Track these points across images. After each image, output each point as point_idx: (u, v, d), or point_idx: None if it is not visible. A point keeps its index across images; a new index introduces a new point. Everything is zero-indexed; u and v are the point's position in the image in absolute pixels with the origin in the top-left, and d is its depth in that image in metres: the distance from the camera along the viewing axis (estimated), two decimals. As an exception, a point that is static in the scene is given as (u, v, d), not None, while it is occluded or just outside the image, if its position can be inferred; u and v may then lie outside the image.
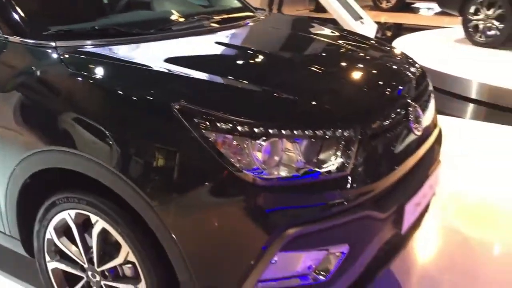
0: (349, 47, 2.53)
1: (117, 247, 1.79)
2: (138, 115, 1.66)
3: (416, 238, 2.71)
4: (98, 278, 1.89)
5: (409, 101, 1.98)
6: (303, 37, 2.63)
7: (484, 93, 5.63)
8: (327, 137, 1.64)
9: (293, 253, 1.62)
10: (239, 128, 1.57)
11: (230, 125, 1.56)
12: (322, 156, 1.64)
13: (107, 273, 1.87)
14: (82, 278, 1.94)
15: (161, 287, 1.74)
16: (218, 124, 1.56)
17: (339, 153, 1.65)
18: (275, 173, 1.59)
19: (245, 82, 1.84)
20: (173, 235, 1.62)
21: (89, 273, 1.91)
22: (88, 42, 1.96)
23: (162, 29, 2.23)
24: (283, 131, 1.59)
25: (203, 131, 1.56)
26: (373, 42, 2.75)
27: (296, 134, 1.61)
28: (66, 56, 1.86)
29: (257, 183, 1.55)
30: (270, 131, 1.58)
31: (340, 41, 2.63)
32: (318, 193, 1.62)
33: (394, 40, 7.88)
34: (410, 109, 1.94)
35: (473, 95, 5.69)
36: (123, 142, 1.65)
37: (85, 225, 1.88)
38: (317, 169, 1.61)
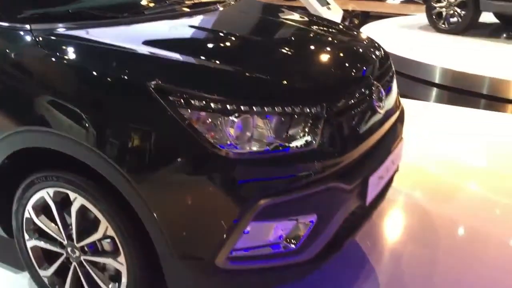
0: (317, 30, 2.63)
1: (95, 222, 1.85)
2: (114, 94, 1.72)
3: (380, 212, 2.86)
4: (77, 253, 1.95)
5: (372, 81, 2.09)
6: (273, 21, 2.72)
7: (447, 78, 5.85)
8: (295, 114, 1.74)
9: (265, 223, 1.72)
10: (212, 105, 1.65)
11: (204, 102, 1.65)
12: (291, 131, 1.74)
13: (86, 249, 1.93)
14: (61, 254, 2.00)
15: (140, 259, 1.82)
16: (192, 102, 1.65)
17: (307, 129, 1.75)
18: (247, 148, 1.68)
19: (218, 62, 1.92)
20: (151, 209, 1.69)
21: (69, 249, 1.97)
22: (63, 25, 1.99)
23: (135, 12, 2.29)
24: (254, 108, 1.68)
25: (178, 108, 1.64)
26: (340, 27, 2.86)
27: (266, 111, 1.70)
28: (41, 38, 1.90)
29: (230, 157, 1.65)
30: (242, 108, 1.67)
31: (308, 25, 2.73)
32: (288, 166, 1.72)
33: (361, 28, 8.04)
34: (373, 88, 2.06)
35: (437, 80, 5.90)
36: (100, 120, 1.72)
37: (63, 203, 1.94)
38: (286, 144, 1.72)
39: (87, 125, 1.71)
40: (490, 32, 7.83)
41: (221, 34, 2.31)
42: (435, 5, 7.58)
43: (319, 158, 1.76)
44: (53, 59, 1.84)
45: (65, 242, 1.97)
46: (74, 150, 1.77)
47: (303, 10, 7.43)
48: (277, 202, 1.69)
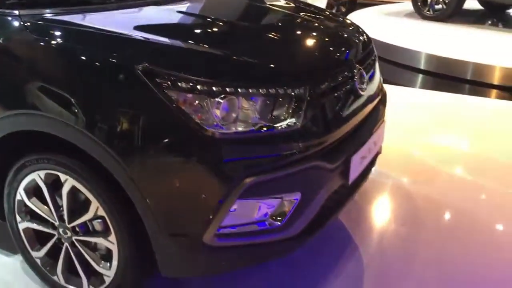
0: (301, 16, 2.68)
1: (86, 203, 1.90)
2: (103, 77, 1.76)
3: (364, 193, 2.94)
4: (69, 234, 2.00)
5: (355, 64, 2.15)
6: (259, 7, 2.76)
7: (432, 64, 5.93)
8: (279, 95, 1.80)
9: (251, 201, 1.78)
10: (198, 87, 1.70)
11: (191, 84, 1.70)
12: (275, 112, 1.80)
13: (77, 229, 1.98)
14: (53, 235, 2.05)
15: (130, 238, 1.87)
16: (179, 84, 1.70)
17: (291, 110, 1.81)
18: (233, 129, 1.74)
19: (204, 46, 1.97)
20: (140, 189, 1.74)
21: (60, 230, 2.02)
22: (51, 10, 2.02)
23: (123, -2, 2.33)
24: (239, 90, 1.74)
25: (165, 90, 1.69)
26: (324, 12, 2.92)
27: (251, 92, 1.76)
28: (30, 23, 1.93)
29: (216, 137, 1.70)
30: (228, 89, 1.72)
31: (293, 11, 2.78)
32: (272, 145, 1.78)
33: (348, 15, 8.10)
34: (356, 71, 2.12)
35: (422, 66, 5.98)
36: (90, 103, 1.76)
37: (54, 185, 1.98)
38: (271, 125, 1.78)
39: (77, 108, 1.75)
40: (474, 19, 7.94)
41: (208, 19, 2.35)
42: (420, -8, 7.65)
43: (302, 138, 1.82)
44: (42, 44, 1.87)
45: (56, 223, 2.02)
46: (64, 132, 1.81)
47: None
48: (262, 180, 1.75)
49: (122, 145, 1.73)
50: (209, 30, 2.25)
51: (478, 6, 8.28)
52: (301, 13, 2.71)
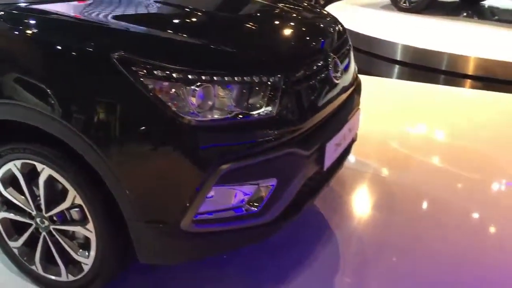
0: (278, 6, 2.71)
1: (63, 192, 1.91)
2: (79, 66, 1.76)
3: (340, 180, 3.00)
4: (46, 223, 2.01)
5: (329, 53, 2.19)
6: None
7: (408, 55, 6.02)
8: (255, 83, 1.83)
9: (227, 188, 1.81)
10: (174, 75, 1.72)
11: (167, 72, 1.71)
12: (251, 100, 1.83)
13: (55, 218, 1.99)
14: (30, 225, 2.05)
15: (108, 225, 1.89)
16: (155, 72, 1.71)
17: (266, 98, 1.84)
18: (209, 116, 1.76)
19: (180, 35, 1.98)
20: (118, 177, 1.76)
21: (38, 219, 2.02)
22: (26, -1, 2.02)
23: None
24: (215, 78, 1.76)
25: (141, 79, 1.70)
26: (302, 3, 2.94)
27: (227, 80, 1.78)
28: (4, 12, 1.92)
29: (192, 124, 1.72)
30: (203, 77, 1.74)
31: (271, 1, 2.80)
32: (248, 132, 1.81)
33: (326, 7, 8.15)
34: (330, 60, 2.16)
35: (398, 57, 6.07)
36: (66, 92, 1.76)
37: (31, 175, 1.98)
38: (246, 112, 1.80)
39: (53, 97, 1.75)
40: (449, 11, 8.06)
41: (186, 9, 2.35)
42: (397, -16, 7.73)
43: (277, 125, 1.86)
44: (17, 33, 1.87)
45: (34, 213, 2.02)
46: (41, 121, 1.81)
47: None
48: (238, 166, 1.77)
49: (99, 134, 1.74)
50: (186, 20, 2.26)
51: (453, -2, 8.42)
52: (278, 4, 2.74)
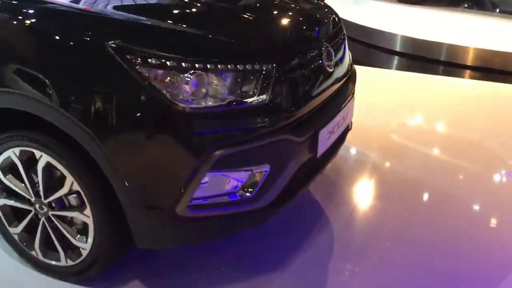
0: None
1: (61, 179, 1.95)
2: (76, 54, 1.80)
3: (335, 169, 3.03)
4: (45, 209, 2.05)
5: (323, 42, 2.22)
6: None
7: (407, 46, 6.03)
8: (248, 71, 1.86)
9: (222, 173, 1.85)
10: (168, 63, 1.75)
11: (161, 60, 1.75)
12: (244, 88, 1.86)
13: (54, 204, 2.03)
14: (30, 211, 2.10)
15: (106, 211, 1.93)
16: (150, 60, 1.74)
17: (259, 86, 1.87)
18: (203, 103, 1.80)
19: (176, 24, 2.01)
20: (114, 163, 1.80)
21: (37, 206, 2.06)
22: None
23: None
24: (208, 66, 1.79)
25: (136, 67, 1.74)
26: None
27: (220, 68, 1.81)
28: (1, 2, 1.94)
29: (186, 112, 1.76)
30: (197, 65, 1.78)
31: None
32: (241, 119, 1.85)
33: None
34: (323, 49, 2.19)
35: (398, 48, 6.08)
36: (64, 81, 1.80)
37: (29, 162, 2.02)
38: (240, 99, 1.84)
39: (51, 86, 1.79)
40: (449, 2, 8.03)
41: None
42: (397, -25, 7.72)
43: (270, 112, 1.89)
44: (15, 22, 1.90)
45: (33, 199, 2.06)
46: (39, 109, 1.85)
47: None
48: (231, 153, 1.81)
49: (95, 120, 1.78)
50: (181, 9, 2.29)
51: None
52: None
